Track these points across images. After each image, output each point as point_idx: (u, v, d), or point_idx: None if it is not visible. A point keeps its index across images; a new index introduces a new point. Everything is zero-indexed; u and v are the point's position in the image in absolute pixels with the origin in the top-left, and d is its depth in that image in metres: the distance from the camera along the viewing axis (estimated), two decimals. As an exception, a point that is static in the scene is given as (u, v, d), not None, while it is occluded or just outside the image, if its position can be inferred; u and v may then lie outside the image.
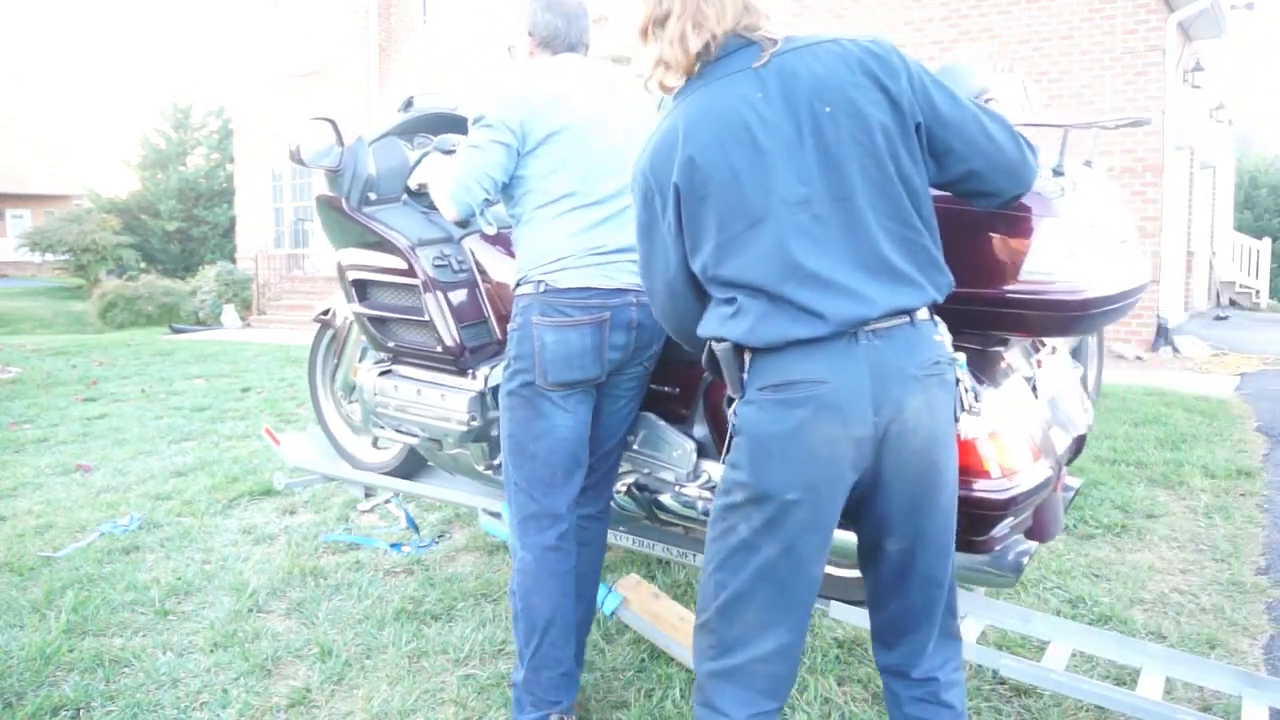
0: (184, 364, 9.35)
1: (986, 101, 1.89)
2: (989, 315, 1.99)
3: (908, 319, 1.44)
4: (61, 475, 4.75)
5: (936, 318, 1.51)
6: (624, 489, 2.49)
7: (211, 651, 2.67)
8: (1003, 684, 2.41)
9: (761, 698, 1.51)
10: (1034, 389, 2.22)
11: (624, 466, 2.45)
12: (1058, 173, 1.98)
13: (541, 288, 2.07)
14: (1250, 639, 2.65)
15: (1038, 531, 2.20)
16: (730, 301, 1.47)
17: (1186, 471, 4.29)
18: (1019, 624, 2.58)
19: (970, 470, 1.96)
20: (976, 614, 2.62)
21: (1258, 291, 14.95)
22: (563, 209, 2.09)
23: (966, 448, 1.94)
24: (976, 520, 1.98)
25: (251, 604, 2.98)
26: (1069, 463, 2.28)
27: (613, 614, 2.56)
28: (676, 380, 2.40)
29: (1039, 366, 2.27)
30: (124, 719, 2.33)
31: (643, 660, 2.54)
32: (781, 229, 1.42)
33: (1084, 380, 5.74)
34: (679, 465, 2.38)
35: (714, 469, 2.35)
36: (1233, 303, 14.85)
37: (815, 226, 1.42)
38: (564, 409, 2.10)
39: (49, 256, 22.97)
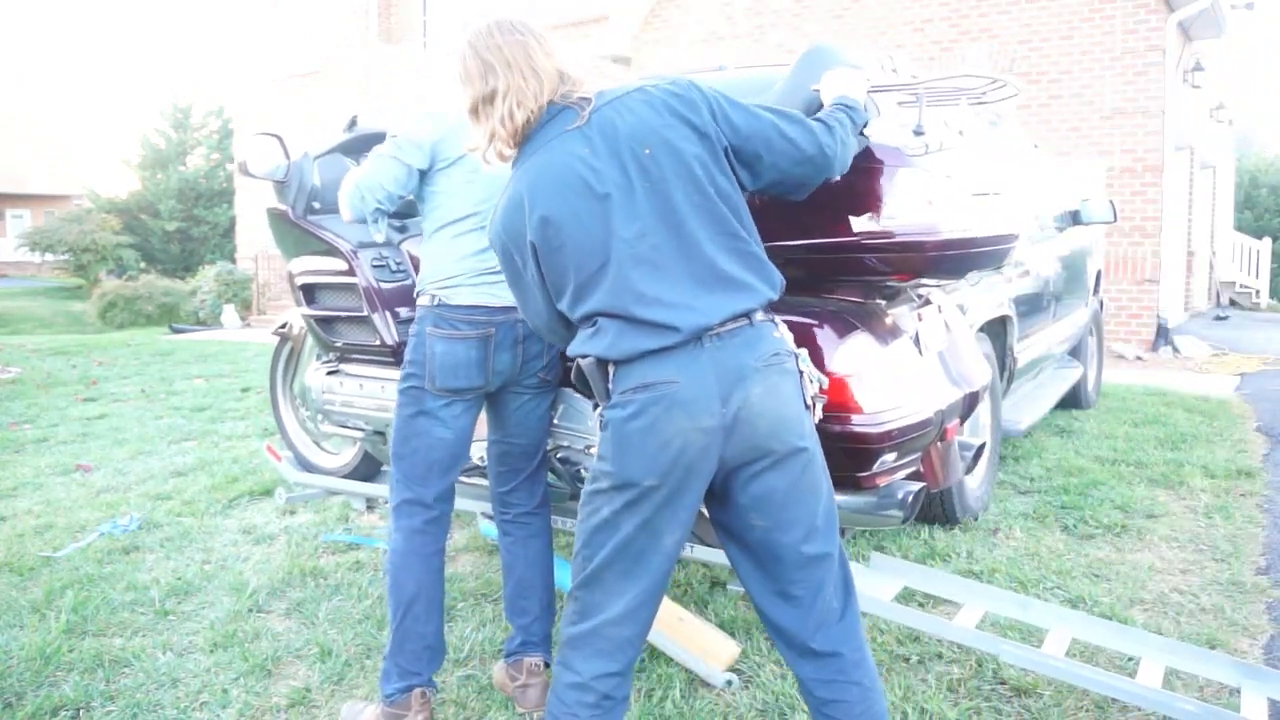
0: (184, 364, 9.35)
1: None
2: (857, 260, 2.26)
3: (747, 321, 1.63)
4: (61, 475, 4.75)
5: (776, 318, 1.70)
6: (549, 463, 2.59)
7: (211, 651, 2.67)
8: (1003, 684, 2.41)
9: (608, 661, 1.68)
10: (917, 342, 2.43)
11: (547, 442, 2.58)
12: (918, 132, 2.25)
13: (436, 301, 2.26)
14: (1250, 639, 2.65)
15: (929, 477, 2.41)
16: (592, 324, 1.67)
17: (1186, 471, 4.29)
18: (1018, 612, 2.59)
19: (845, 406, 2.20)
20: (974, 601, 2.63)
21: (1258, 291, 14.96)
22: (462, 229, 2.25)
23: (838, 384, 2.19)
24: (856, 454, 2.19)
25: (251, 604, 2.98)
26: (963, 419, 2.43)
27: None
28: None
29: (920, 320, 2.47)
30: (124, 719, 2.33)
31: (642, 660, 2.54)
32: (622, 263, 1.62)
33: (1084, 380, 5.80)
34: (594, 434, 2.51)
35: None
36: (1233, 303, 14.86)
37: (653, 255, 1.62)
38: (445, 414, 2.28)
39: (49, 256, 22.96)
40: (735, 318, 1.61)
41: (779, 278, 1.71)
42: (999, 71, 9.46)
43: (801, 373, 1.69)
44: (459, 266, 2.24)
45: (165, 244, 24.50)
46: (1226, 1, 9.90)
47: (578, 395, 2.56)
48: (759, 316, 1.65)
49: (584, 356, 1.69)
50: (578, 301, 1.67)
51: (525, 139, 1.71)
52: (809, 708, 1.75)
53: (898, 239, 2.22)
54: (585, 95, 1.69)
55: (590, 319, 1.67)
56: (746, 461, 1.62)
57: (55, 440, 5.63)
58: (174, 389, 7.65)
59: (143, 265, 23.34)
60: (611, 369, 1.66)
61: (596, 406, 1.73)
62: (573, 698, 1.66)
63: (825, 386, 1.78)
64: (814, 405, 1.71)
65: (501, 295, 2.21)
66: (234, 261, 17.86)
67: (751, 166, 1.73)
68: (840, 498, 2.27)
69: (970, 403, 2.55)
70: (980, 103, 2.47)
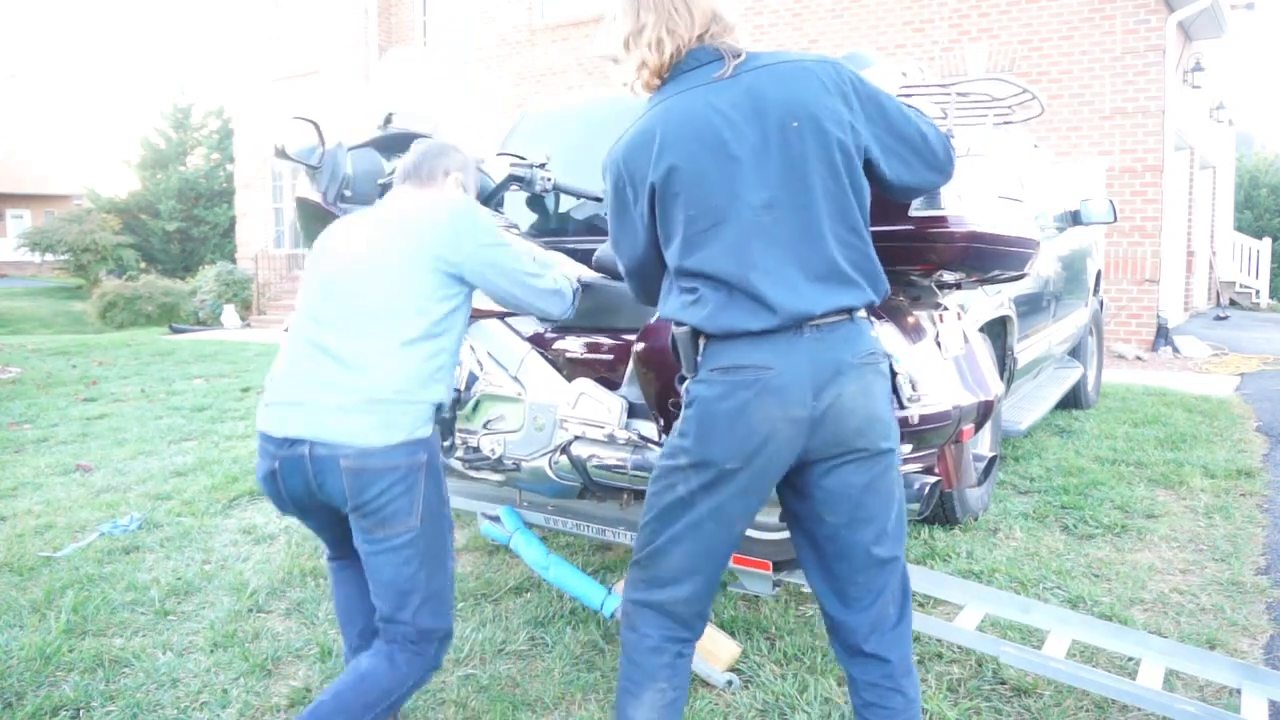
0: (184, 364, 9.35)
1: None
2: (888, 249, 2.28)
3: (848, 316, 1.61)
4: (61, 475, 4.75)
5: (871, 318, 1.69)
6: (560, 455, 2.59)
7: (211, 651, 2.67)
8: (1003, 684, 2.41)
9: (679, 626, 1.72)
10: (937, 341, 2.47)
11: (559, 436, 2.59)
12: (948, 135, 2.23)
13: None
14: (1250, 639, 2.65)
15: (944, 476, 2.45)
16: (692, 290, 1.64)
17: (1186, 471, 4.29)
18: (1018, 614, 2.59)
19: None
20: (975, 603, 2.63)
21: (1258, 291, 14.97)
22: (290, 342, 2.01)
23: None
24: None
25: (251, 604, 2.98)
26: (978, 425, 2.44)
27: (612, 615, 2.56)
28: (610, 348, 2.63)
29: (940, 322, 2.51)
30: (124, 719, 2.33)
31: (643, 660, 2.54)
32: (744, 229, 1.58)
33: (1084, 380, 5.81)
34: (609, 422, 2.53)
35: (643, 427, 2.50)
36: (1233, 303, 14.86)
37: (775, 229, 1.58)
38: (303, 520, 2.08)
39: (49, 256, 22.95)
40: (839, 311, 1.60)
41: (885, 285, 1.68)
42: (999, 71, 9.46)
43: (895, 374, 1.68)
44: (269, 381, 1.98)
45: (165, 244, 24.49)
46: (1226, 1, 9.91)
47: (594, 385, 2.58)
48: (860, 314, 1.64)
49: (679, 325, 1.68)
50: (687, 253, 1.63)
51: (670, 76, 1.67)
52: (852, 706, 1.76)
53: (927, 229, 2.25)
54: (736, 47, 1.65)
55: (693, 281, 1.64)
56: (828, 456, 1.62)
57: (55, 440, 5.63)
58: (174, 389, 7.65)
59: (143, 265, 23.34)
60: (703, 342, 1.65)
61: (683, 380, 1.72)
62: (651, 661, 1.69)
63: (918, 388, 1.78)
64: (909, 406, 1.71)
65: (287, 422, 1.88)
66: (234, 261, 17.85)
67: (893, 164, 1.69)
68: None
69: (985, 410, 2.58)
70: (1007, 122, 2.50)
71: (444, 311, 1.96)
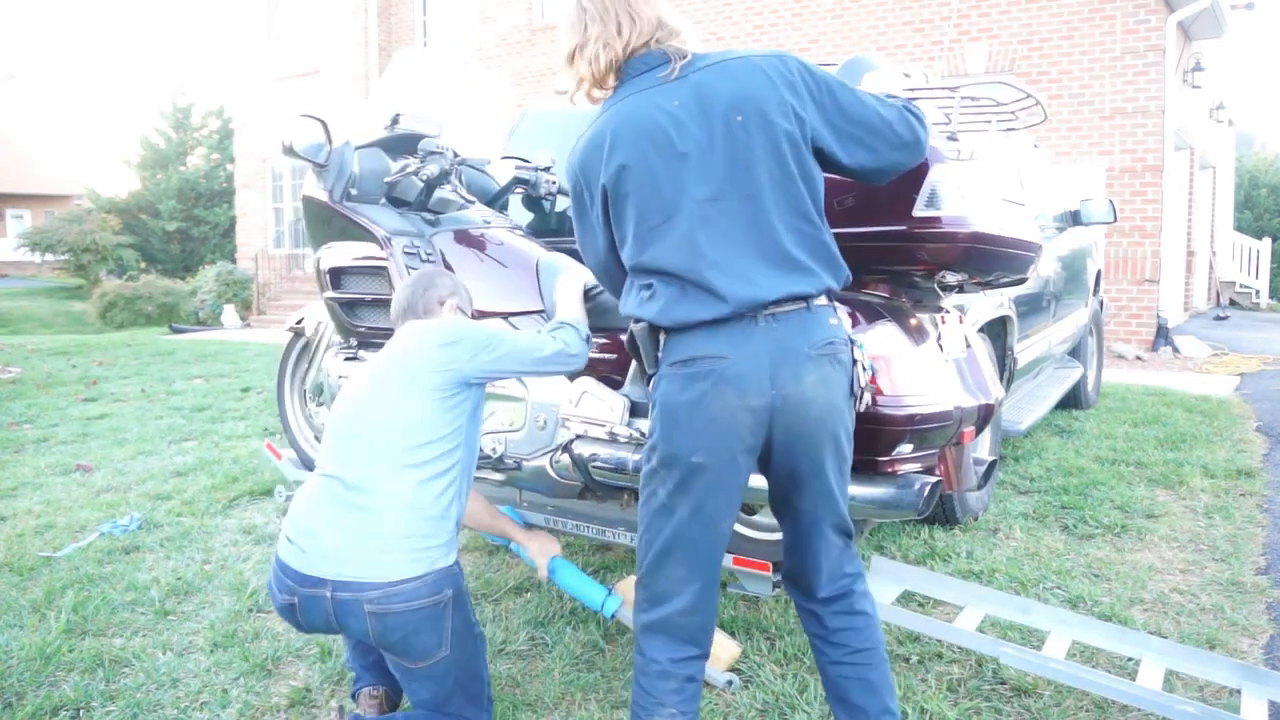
0: (184, 364, 9.35)
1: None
2: (891, 249, 2.32)
3: (804, 304, 1.63)
4: (61, 475, 4.75)
5: (835, 304, 1.72)
6: (562, 454, 2.60)
7: (211, 651, 2.67)
8: (1003, 684, 2.41)
9: (685, 645, 1.73)
10: (939, 343, 2.49)
11: (561, 435, 2.60)
12: (952, 139, 2.32)
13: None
14: (1250, 639, 2.65)
15: (944, 478, 2.46)
16: (648, 286, 1.68)
17: (1186, 471, 4.29)
18: (1018, 614, 2.59)
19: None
20: (975, 603, 2.63)
21: (1258, 291, 14.97)
22: (309, 479, 2.06)
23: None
24: (876, 436, 2.21)
25: (251, 604, 2.98)
26: (979, 429, 2.46)
27: (613, 615, 2.56)
28: (612, 346, 2.62)
29: (943, 324, 2.54)
30: (124, 719, 2.33)
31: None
32: (691, 222, 1.62)
33: (1084, 380, 5.81)
34: (611, 420, 2.54)
35: (645, 425, 2.50)
36: (1233, 303, 14.86)
37: (722, 220, 1.62)
38: None
39: (49, 256, 22.95)
40: (793, 299, 1.62)
41: (845, 271, 1.71)
42: (999, 71, 9.47)
43: (855, 361, 1.72)
44: (292, 512, 2.00)
45: (165, 244, 24.50)
46: (1226, 1, 9.91)
47: (597, 384, 2.58)
48: (819, 302, 1.65)
49: (637, 321, 1.71)
50: (640, 250, 1.68)
51: (620, 81, 1.73)
52: (820, 640, 1.80)
53: (929, 228, 2.27)
54: (682, 49, 1.70)
55: (648, 278, 1.67)
56: (789, 444, 1.65)
57: (55, 440, 5.63)
58: (174, 389, 7.65)
59: (143, 265, 23.34)
60: (663, 337, 1.68)
61: (650, 379, 1.75)
62: (659, 686, 1.71)
63: (875, 375, 1.82)
64: (861, 395, 1.76)
65: (310, 562, 1.88)
66: (234, 261, 17.85)
67: (849, 149, 1.71)
68: (859, 489, 2.29)
69: (985, 413, 2.58)
70: (1011, 128, 2.51)
71: (458, 423, 2.01)
